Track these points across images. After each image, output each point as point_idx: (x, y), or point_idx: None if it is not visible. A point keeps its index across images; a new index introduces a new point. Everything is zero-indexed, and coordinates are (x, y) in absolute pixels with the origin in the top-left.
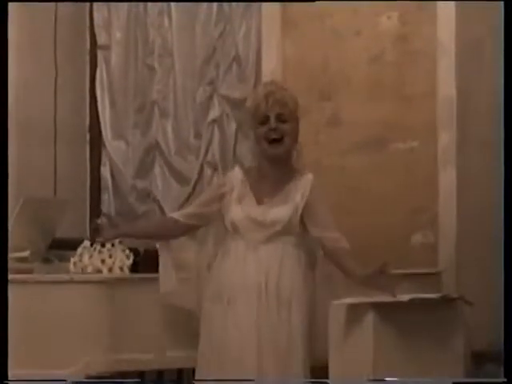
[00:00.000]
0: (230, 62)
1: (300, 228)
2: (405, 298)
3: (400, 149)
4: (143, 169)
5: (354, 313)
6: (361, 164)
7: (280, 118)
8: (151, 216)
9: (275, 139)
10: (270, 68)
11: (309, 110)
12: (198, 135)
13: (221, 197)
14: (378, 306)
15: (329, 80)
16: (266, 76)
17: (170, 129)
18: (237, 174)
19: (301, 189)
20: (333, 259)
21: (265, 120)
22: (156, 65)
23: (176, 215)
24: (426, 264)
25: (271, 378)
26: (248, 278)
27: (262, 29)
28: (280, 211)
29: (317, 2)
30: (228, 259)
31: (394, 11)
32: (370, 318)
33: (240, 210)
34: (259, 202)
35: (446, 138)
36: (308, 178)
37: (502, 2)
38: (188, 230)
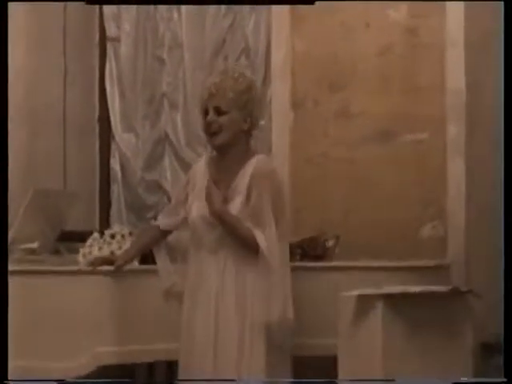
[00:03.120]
0: (239, 54)
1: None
2: (414, 289)
3: (409, 141)
4: (153, 161)
5: (363, 304)
6: (370, 156)
7: (218, 111)
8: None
9: (214, 131)
10: (280, 60)
11: (318, 102)
12: None
13: (186, 198)
14: (387, 298)
15: (338, 72)
16: (275, 68)
17: (179, 121)
18: (199, 166)
19: (247, 175)
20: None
21: (205, 112)
22: (165, 57)
23: (162, 226)
24: (435, 256)
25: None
26: (204, 282)
27: (272, 21)
28: (230, 207)
29: None
30: (191, 261)
31: (402, 4)
32: (379, 309)
33: (196, 209)
34: None
35: (455, 130)
36: (252, 163)
37: (502, 2)
38: (171, 232)
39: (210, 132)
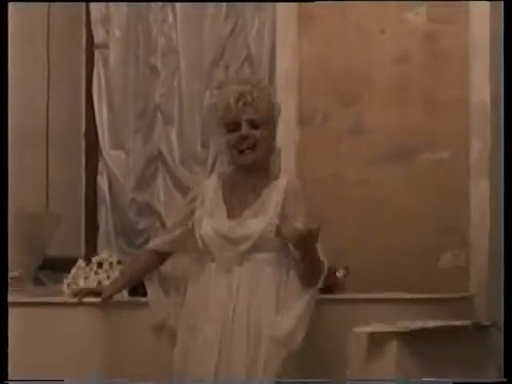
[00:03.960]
0: (242, 62)
1: (278, 240)
2: (432, 324)
3: (429, 160)
4: (144, 180)
5: (376, 342)
6: (385, 177)
7: (252, 124)
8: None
9: (247, 147)
10: (286, 69)
11: (328, 117)
12: (205, 144)
13: (192, 213)
14: (402, 335)
15: (351, 83)
16: (280, 78)
17: (174, 136)
18: (211, 182)
19: (275, 197)
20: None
21: (235, 126)
22: (159, 65)
23: (151, 245)
24: (455, 288)
25: None
26: (217, 306)
27: (277, 24)
28: (251, 225)
29: None
30: (197, 284)
31: (422, 6)
32: (393, 347)
33: (209, 225)
34: (230, 215)
35: (479, 149)
36: (281, 183)
37: (502, 2)
38: (167, 257)
39: (242, 148)
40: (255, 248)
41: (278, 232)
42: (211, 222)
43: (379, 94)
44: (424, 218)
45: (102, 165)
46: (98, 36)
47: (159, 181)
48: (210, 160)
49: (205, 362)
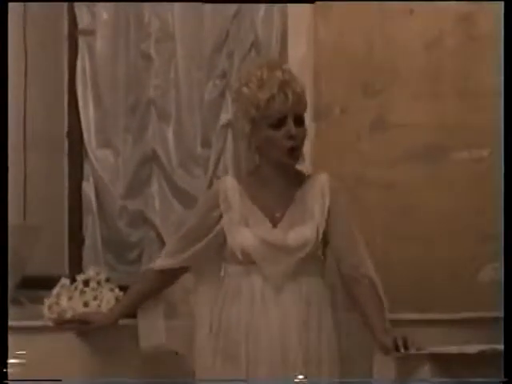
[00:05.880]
0: (248, 48)
1: (322, 247)
2: (472, 349)
3: (465, 159)
4: (137, 186)
5: (406, 366)
6: (414, 179)
7: (298, 120)
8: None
9: (294, 147)
10: (299, 56)
11: (347, 110)
12: (206, 143)
13: (216, 222)
14: (436, 358)
15: (373, 71)
16: (293, 66)
17: (170, 135)
18: (231, 185)
19: (317, 194)
20: (350, 293)
21: (280, 122)
22: (153, 53)
23: (160, 263)
24: (496, 306)
25: None
26: (271, 330)
27: (288, 5)
28: (303, 230)
29: None
30: (240, 302)
31: None
32: (425, 374)
33: (251, 234)
34: (271, 219)
35: None
36: (322, 178)
37: (502, 2)
38: (180, 274)
39: (291, 147)
40: (305, 259)
41: (324, 238)
42: (253, 231)
43: (406, 83)
44: (459, 226)
45: (88, 168)
46: (83, 20)
47: (154, 186)
48: (212, 161)
49: None
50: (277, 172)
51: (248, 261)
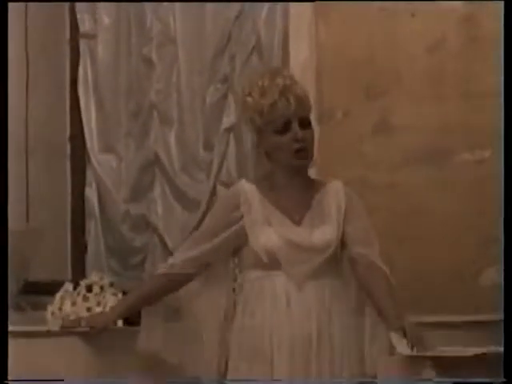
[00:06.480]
0: (250, 51)
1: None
2: (472, 351)
3: (467, 161)
4: (139, 190)
5: (409, 368)
6: (417, 181)
7: (303, 123)
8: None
9: (301, 148)
10: (301, 60)
11: (350, 113)
12: (208, 147)
13: (235, 223)
14: (438, 361)
15: (376, 74)
16: (295, 69)
17: (173, 139)
18: (247, 188)
19: (333, 199)
20: (363, 283)
21: (285, 127)
22: (154, 57)
23: (165, 267)
24: (498, 309)
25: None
26: (295, 328)
27: (290, 8)
28: (326, 231)
29: None
30: (263, 303)
31: None
32: (428, 375)
33: (275, 234)
34: (293, 220)
35: None
36: (337, 185)
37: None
38: (190, 279)
39: (297, 149)
40: (328, 258)
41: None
42: (277, 230)
43: (409, 86)
44: (462, 228)
45: (91, 173)
46: (84, 24)
47: (156, 190)
48: (215, 165)
49: None
50: (290, 177)
51: (272, 262)
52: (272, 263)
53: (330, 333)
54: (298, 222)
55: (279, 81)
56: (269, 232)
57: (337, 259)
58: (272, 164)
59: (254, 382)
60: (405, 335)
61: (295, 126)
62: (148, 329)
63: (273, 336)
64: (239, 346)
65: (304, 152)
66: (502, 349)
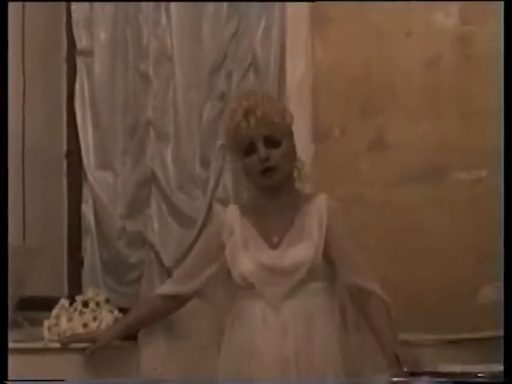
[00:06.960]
0: (246, 69)
1: (326, 267)
2: (469, 369)
3: (464, 180)
4: (136, 207)
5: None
6: (413, 199)
7: (271, 142)
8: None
9: (267, 168)
10: (297, 77)
11: (346, 131)
12: (205, 164)
13: (221, 248)
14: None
15: (372, 92)
16: (292, 87)
17: (169, 156)
18: (233, 212)
19: (315, 215)
20: (360, 309)
21: (250, 148)
22: (151, 73)
23: (165, 289)
24: (496, 327)
25: None
26: (273, 349)
27: (287, 25)
28: (300, 251)
29: None
30: (241, 325)
31: (453, 6)
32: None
33: (249, 259)
34: (270, 244)
35: None
36: (320, 198)
37: (502, 2)
38: (185, 302)
39: (263, 169)
40: (306, 278)
41: (326, 257)
42: (251, 255)
43: (405, 104)
44: (459, 247)
45: (87, 190)
46: (81, 40)
47: (153, 207)
48: (212, 182)
49: None
50: (269, 196)
51: (248, 285)
52: (249, 286)
53: (310, 352)
54: (275, 245)
55: (244, 103)
56: (244, 257)
57: (317, 275)
58: (249, 185)
59: (249, 382)
60: (398, 361)
61: (260, 145)
62: (147, 355)
63: (251, 359)
64: (222, 364)
65: (271, 171)
66: (498, 366)
